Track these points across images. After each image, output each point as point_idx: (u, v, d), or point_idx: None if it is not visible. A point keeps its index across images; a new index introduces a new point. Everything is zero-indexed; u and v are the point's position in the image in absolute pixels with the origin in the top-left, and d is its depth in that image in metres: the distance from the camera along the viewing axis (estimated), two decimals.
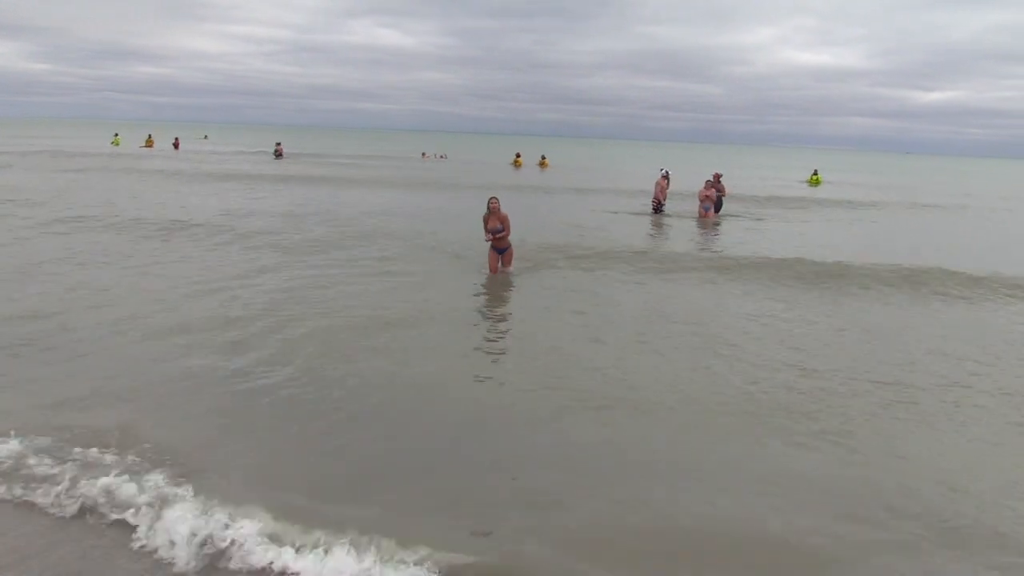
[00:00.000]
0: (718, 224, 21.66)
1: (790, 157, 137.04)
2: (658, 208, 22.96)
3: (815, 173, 46.68)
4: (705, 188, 22.92)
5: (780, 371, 8.09)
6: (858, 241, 19.89)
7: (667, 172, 24.27)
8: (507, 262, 13.27)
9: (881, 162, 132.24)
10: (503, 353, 8.76)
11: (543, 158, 54.89)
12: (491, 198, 13.17)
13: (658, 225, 21.15)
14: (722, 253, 16.17)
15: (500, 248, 13.15)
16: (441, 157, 63.25)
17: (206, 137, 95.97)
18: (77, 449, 5.65)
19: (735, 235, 19.50)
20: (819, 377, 7.91)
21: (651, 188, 24.12)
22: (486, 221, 13.00)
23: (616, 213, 23.36)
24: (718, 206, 23.70)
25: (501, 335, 9.62)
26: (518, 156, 56.30)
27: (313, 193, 26.59)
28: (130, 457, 5.57)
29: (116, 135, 67.71)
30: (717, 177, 24.11)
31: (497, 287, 12.49)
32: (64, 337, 8.54)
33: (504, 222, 12.95)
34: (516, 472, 5.67)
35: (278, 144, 55.22)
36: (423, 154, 66.30)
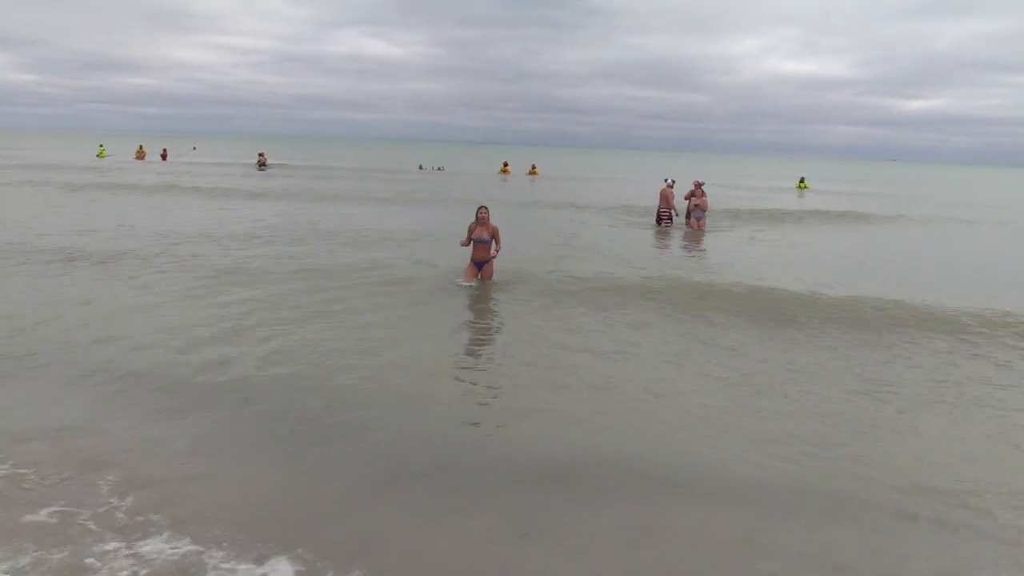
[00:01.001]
0: (707, 233, 21.47)
1: (777, 165, 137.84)
2: (664, 219, 22.81)
3: (802, 180, 47.74)
4: (697, 196, 22.38)
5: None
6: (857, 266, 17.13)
7: (672, 181, 23.95)
8: (487, 275, 12.59)
9: (869, 170, 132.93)
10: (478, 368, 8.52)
11: (533, 167, 54.82)
12: (480, 207, 12.63)
13: (654, 239, 20.37)
14: (713, 281, 13.45)
15: (481, 260, 12.52)
16: (438, 169, 61.93)
17: (194, 148, 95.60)
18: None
19: (727, 254, 17.70)
20: None
21: (652, 197, 24.07)
22: (471, 230, 12.48)
23: (613, 226, 22.77)
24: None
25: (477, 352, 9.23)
26: (506, 165, 56.31)
27: (295, 210, 24.29)
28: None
29: (101, 147, 67.20)
30: (698, 185, 23.97)
31: (472, 299, 11.83)
32: None
33: (495, 235, 12.41)
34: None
35: (261, 154, 54.28)
36: (420, 167, 64.16)
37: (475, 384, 7.77)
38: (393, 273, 13.31)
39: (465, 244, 12.58)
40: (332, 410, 6.80)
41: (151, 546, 4.56)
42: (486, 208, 12.65)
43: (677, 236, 20.92)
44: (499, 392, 7.54)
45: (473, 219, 12.63)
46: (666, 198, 22.59)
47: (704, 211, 22.50)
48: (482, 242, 12.40)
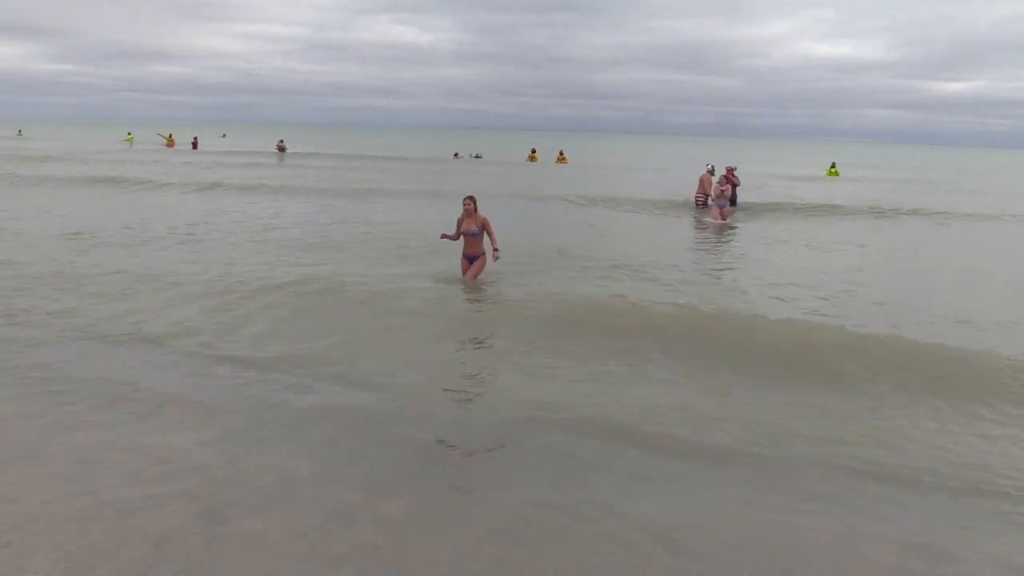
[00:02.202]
0: (734, 228, 20.10)
1: (809, 150, 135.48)
2: (700, 204, 22.47)
3: (833, 166, 46.62)
4: (720, 183, 21.77)
5: None
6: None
7: (712, 167, 23.46)
8: (474, 273, 11.86)
9: (904, 155, 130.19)
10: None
11: (561, 153, 53.99)
12: (465, 199, 11.91)
13: (670, 239, 18.95)
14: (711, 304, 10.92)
15: (472, 255, 11.93)
16: (476, 156, 60.32)
17: (223, 136, 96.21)
18: None
19: (751, 265, 15.13)
20: None
21: (682, 186, 23.57)
22: (460, 223, 11.94)
23: (629, 224, 21.57)
24: (733, 200, 23.00)
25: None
26: (534, 151, 55.55)
27: (341, 206, 22.16)
28: None
29: (129, 134, 68.60)
30: (730, 171, 23.45)
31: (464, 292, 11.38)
32: None
33: (484, 226, 11.72)
34: None
35: (280, 141, 56.79)
36: (455, 154, 61.98)
37: None
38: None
39: (452, 237, 12.00)
40: None
41: None
42: (472, 199, 11.92)
43: (700, 234, 19.61)
44: None
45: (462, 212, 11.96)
46: (703, 184, 22.25)
47: (727, 199, 21.60)
48: (471, 235, 11.81)
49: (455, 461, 6.05)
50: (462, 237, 11.99)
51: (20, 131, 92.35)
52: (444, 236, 12.18)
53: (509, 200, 24.03)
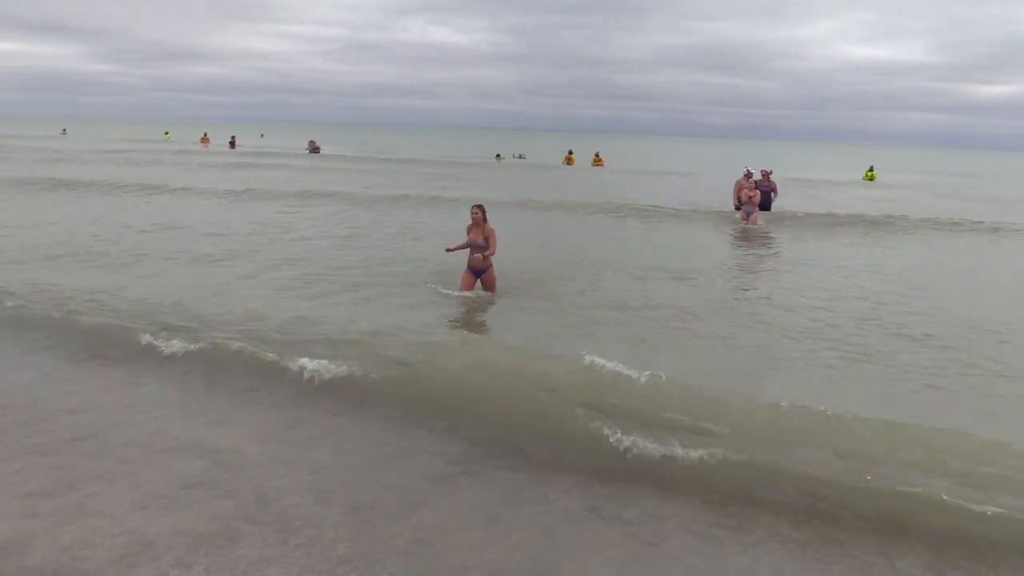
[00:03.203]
0: (768, 239, 18.60)
1: (847, 153, 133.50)
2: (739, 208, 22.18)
3: (871, 169, 45.92)
4: (749, 188, 21.01)
5: None
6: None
7: (749, 171, 22.99)
8: (488, 285, 11.08)
9: (946, 158, 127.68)
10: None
11: (597, 155, 53.66)
12: (474, 207, 11.02)
13: (711, 242, 17.81)
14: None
15: (478, 269, 11.02)
16: (519, 157, 59.65)
17: (262, 136, 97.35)
18: None
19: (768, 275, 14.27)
20: None
21: (722, 195, 23.07)
22: (468, 232, 11.12)
23: (675, 221, 20.82)
24: (768, 205, 22.52)
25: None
26: (570, 154, 55.16)
27: (390, 217, 20.10)
28: None
29: (167, 133, 70.68)
30: (766, 175, 23.05)
31: (467, 310, 10.46)
32: None
33: (490, 237, 10.82)
34: None
35: (312, 141, 57.80)
36: (497, 156, 60.54)
37: None
38: None
39: (455, 248, 11.20)
40: None
41: None
42: (480, 207, 11.02)
43: (726, 251, 17.27)
44: None
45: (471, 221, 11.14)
46: (740, 189, 21.76)
47: (756, 204, 20.78)
48: (478, 247, 10.95)
49: None
50: (468, 248, 11.16)
51: (64, 130, 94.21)
52: (450, 250, 11.32)
53: (549, 211, 23.07)
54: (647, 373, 6.78)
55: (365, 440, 6.24)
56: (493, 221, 11.15)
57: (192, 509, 4.94)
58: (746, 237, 18.91)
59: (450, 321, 10.05)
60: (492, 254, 10.96)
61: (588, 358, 7.10)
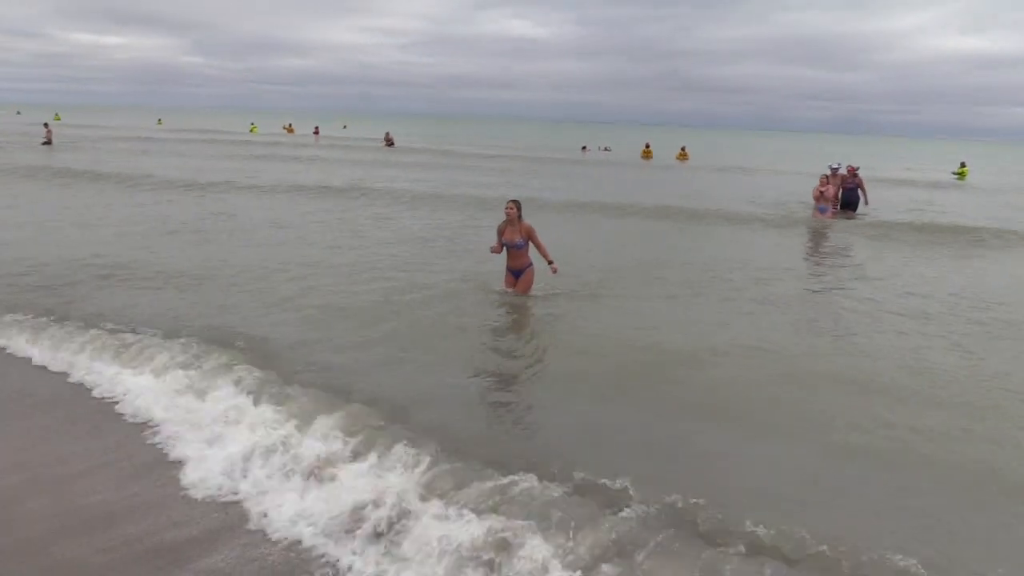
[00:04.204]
0: (847, 252, 16.25)
1: (941, 150, 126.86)
2: (842, 205, 21.07)
3: (962, 166, 42.92)
4: (820, 183, 20.13)
5: None
6: None
7: (837, 167, 21.79)
8: (523, 287, 10.36)
9: None
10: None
11: (683, 149, 51.93)
12: (508, 203, 10.22)
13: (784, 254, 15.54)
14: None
15: (517, 269, 10.35)
16: (604, 150, 58.99)
17: (345, 127, 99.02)
18: None
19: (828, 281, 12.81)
20: None
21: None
22: (501, 232, 10.26)
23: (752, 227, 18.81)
24: (854, 203, 21.54)
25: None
26: (647, 147, 53.44)
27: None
28: None
29: (252, 124, 71.87)
30: (852, 171, 22.00)
31: (502, 309, 10.03)
32: None
33: (530, 236, 10.07)
34: None
35: (387, 134, 57.99)
36: (583, 148, 60.56)
37: None
38: None
39: (497, 250, 10.34)
40: None
41: None
42: (514, 203, 10.21)
43: (797, 264, 14.86)
44: None
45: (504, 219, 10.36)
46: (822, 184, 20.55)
47: (829, 200, 19.94)
48: (515, 246, 10.14)
49: None
50: (504, 248, 10.36)
51: (160, 120, 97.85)
52: (494, 250, 10.47)
53: (627, 215, 20.77)
54: None
55: None
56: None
57: None
58: (817, 237, 17.76)
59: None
60: (544, 250, 10.16)
61: None
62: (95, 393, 7.13)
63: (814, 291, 12.16)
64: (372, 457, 5.50)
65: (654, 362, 7.96)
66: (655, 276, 12.43)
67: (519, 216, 10.10)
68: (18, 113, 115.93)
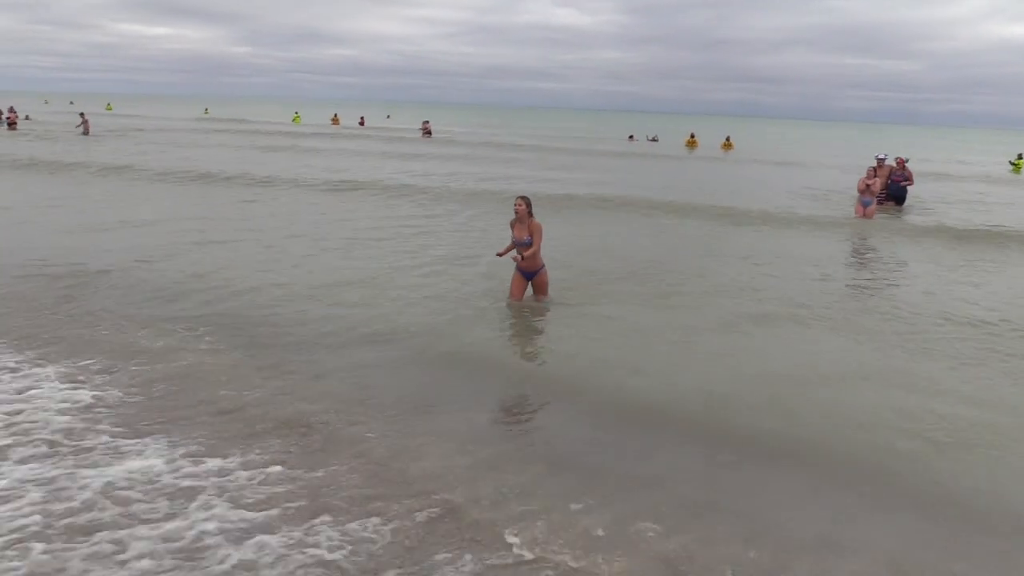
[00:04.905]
0: (889, 254, 15.47)
1: (993, 141, 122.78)
2: (888, 198, 20.62)
3: (1019, 157, 41.44)
4: (866, 175, 19.27)
5: None
6: None
7: (884, 157, 21.24)
8: (540, 290, 9.85)
9: None
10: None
11: (728, 139, 51.29)
12: (518, 199, 9.58)
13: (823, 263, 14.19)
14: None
15: (528, 271, 9.74)
16: (652, 140, 58.54)
17: (388, 117, 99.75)
18: None
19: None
20: None
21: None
22: (513, 228, 9.75)
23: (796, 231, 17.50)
24: (901, 197, 21.09)
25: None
26: (692, 136, 52.85)
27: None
28: None
29: (296, 114, 72.86)
30: (901, 163, 21.52)
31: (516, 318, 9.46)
32: None
33: (535, 234, 9.39)
34: None
35: (425, 122, 57.47)
36: (630, 137, 61.16)
37: None
38: None
39: (504, 252, 9.86)
40: None
41: None
42: (524, 199, 9.53)
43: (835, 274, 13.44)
44: None
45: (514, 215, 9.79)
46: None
47: (874, 194, 19.21)
48: (523, 245, 9.50)
49: None
50: (514, 248, 9.79)
51: (207, 109, 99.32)
52: (500, 254, 9.97)
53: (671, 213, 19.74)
54: None
55: None
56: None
57: None
58: (859, 234, 17.12)
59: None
60: (535, 252, 9.50)
61: None
62: None
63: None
64: None
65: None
66: (712, 284, 11.86)
67: (529, 213, 9.53)
68: (71, 103, 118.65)
